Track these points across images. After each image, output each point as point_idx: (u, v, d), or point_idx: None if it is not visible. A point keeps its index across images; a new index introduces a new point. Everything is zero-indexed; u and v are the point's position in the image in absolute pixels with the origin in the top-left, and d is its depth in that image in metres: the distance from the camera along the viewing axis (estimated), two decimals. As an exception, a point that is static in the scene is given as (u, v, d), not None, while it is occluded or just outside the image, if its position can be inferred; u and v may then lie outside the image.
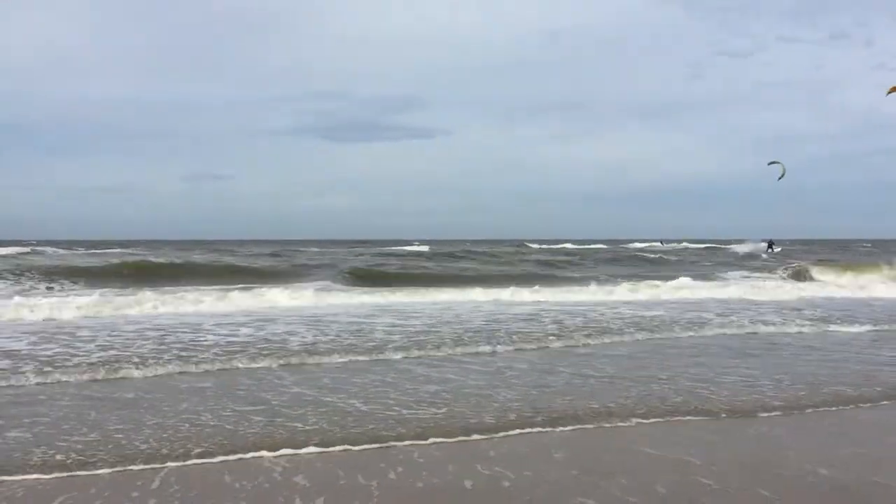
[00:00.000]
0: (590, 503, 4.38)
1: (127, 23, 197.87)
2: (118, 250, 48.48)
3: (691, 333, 12.04)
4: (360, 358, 9.31)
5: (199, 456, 5.25)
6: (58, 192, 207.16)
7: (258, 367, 8.68)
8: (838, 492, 4.59)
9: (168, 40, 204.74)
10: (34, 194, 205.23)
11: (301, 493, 4.53)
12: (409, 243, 70.68)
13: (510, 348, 10.27)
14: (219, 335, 10.91)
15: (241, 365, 8.75)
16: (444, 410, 6.58)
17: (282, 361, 8.98)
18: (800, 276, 26.72)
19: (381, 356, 9.42)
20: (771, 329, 12.68)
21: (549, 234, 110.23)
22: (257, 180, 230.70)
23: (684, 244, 71.79)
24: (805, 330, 12.72)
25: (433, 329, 11.77)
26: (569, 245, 64.36)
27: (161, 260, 27.65)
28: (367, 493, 4.54)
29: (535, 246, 62.96)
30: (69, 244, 62.09)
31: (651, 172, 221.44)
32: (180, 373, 8.31)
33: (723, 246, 63.71)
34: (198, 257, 33.33)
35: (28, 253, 43.74)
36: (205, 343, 10.16)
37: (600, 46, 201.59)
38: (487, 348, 10.15)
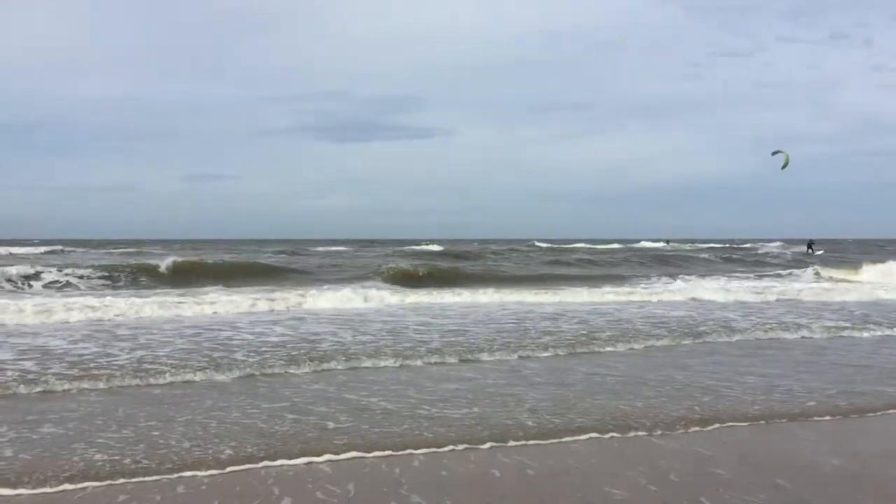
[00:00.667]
0: None
1: (127, 23, 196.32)
2: (133, 250, 47.79)
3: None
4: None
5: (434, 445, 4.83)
6: (57, 192, 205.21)
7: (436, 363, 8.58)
8: None
9: (168, 40, 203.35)
10: (33, 194, 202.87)
11: None
12: (416, 242, 70.26)
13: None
14: (342, 338, 10.50)
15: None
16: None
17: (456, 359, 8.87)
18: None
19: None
20: None
21: (551, 234, 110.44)
22: (257, 180, 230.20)
23: (690, 244, 71.96)
24: None
25: (611, 327, 11.40)
26: (582, 245, 64.19)
27: (212, 260, 26.99)
28: None
29: (544, 245, 62.71)
30: (73, 243, 61.00)
31: (651, 172, 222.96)
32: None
33: (739, 246, 63.86)
34: (228, 256, 32.67)
35: (58, 252, 43.03)
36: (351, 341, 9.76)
37: (600, 46, 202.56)
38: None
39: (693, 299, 17.60)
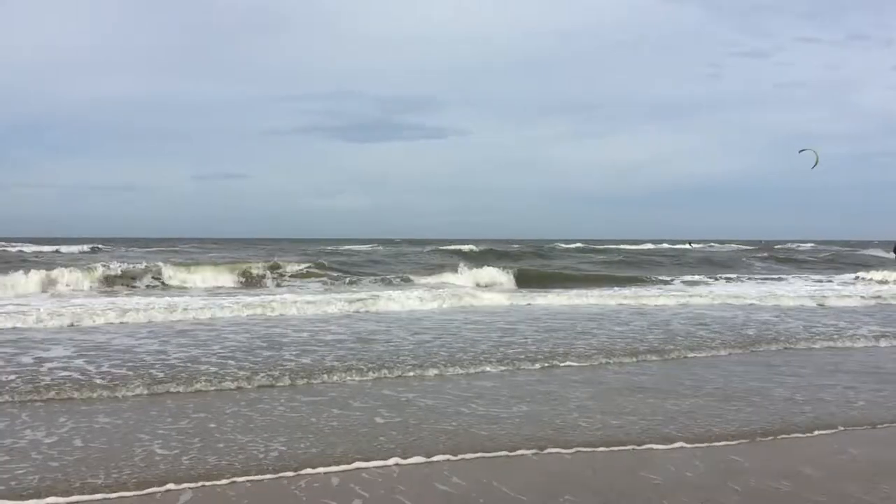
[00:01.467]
0: None
1: (137, 22, 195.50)
2: (173, 248, 47.86)
3: None
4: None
5: None
6: (66, 190, 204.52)
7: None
8: None
9: (179, 40, 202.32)
10: (42, 192, 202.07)
11: None
12: (440, 242, 70.35)
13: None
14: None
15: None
16: None
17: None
18: None
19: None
20: None
21: (566, 234, 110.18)
22: (269, 179, 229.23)
23: (713, 244, 72.28)
24: None
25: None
26: (616, 245, 64.07)
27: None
28: None
29: (564, 246, 62.41)
30: (88, 241, 60.81)
31: (667, 173, 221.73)
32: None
33: (779, 246, 63.61)
34: (295, 257, 32.80)
35: (97, 250, 43.03)
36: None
37: (615, 46, 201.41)
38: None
39: (819, 303, 17.40)
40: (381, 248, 53.12)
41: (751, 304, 16.67)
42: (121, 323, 12.34)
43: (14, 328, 11.50)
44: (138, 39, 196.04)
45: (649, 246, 61.49)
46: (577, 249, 52.23)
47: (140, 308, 13.38)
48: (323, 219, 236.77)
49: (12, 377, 7.69)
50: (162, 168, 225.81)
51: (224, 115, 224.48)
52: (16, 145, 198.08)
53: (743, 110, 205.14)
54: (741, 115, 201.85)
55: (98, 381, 7.57)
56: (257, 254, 37.86)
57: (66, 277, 18.76)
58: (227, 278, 21.16)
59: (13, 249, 39.35)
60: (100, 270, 19.67)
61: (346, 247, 53.54)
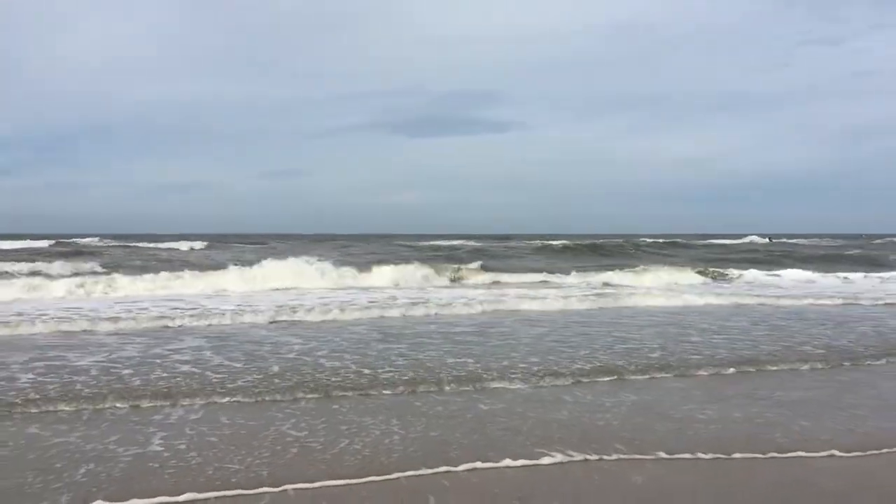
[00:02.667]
0: None
1: (204, 25, 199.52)
2: (263, 245, 48.13)
3: None
4: None
5: None
6: (136, 189, 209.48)
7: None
8: None
9: (244, 41, 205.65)
10: (114, 191, 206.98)
11: None
12: (515, 238, 69.96)
13: None
14: None
15: None
16: None
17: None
18: None
19: None
20: None
21: (632, 230, 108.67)
22: (331, 176, 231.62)
23: (795, 240, 70.79)
24: None
25: None
26: (719, 241, 63.00)
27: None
28: None
29: (648, 240, 61.64)
30: (152, 238, 61.49)
31: (734, 166, 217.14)
32: None
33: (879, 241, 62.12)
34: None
35: (209, 248, 43.40)
36: None
37: (680, 38, 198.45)
38: None
39: None
40: (469, 243, 52.85)
41: None
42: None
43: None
44: (201, 42, 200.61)
45: (754, 238, 60.40)
46: (668, 244, 51.25)
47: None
48: (383, 215, 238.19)
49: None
50: (225, 167, 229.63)
51: (286, 114, 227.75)
52: (88, 146, 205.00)
53: (812, 100, 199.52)
54: (810, 106, 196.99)
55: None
56: (350, 249, 37.96)
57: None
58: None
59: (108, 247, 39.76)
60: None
61: (429, 242, 53.54)
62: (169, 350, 9.06)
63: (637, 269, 23.89)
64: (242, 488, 4.48)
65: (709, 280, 23.15)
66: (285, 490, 4.45)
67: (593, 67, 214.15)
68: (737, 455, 5.15)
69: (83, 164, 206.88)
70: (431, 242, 53.16)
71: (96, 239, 53.79)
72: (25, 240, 45.86)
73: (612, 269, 24.38)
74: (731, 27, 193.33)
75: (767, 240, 68.78)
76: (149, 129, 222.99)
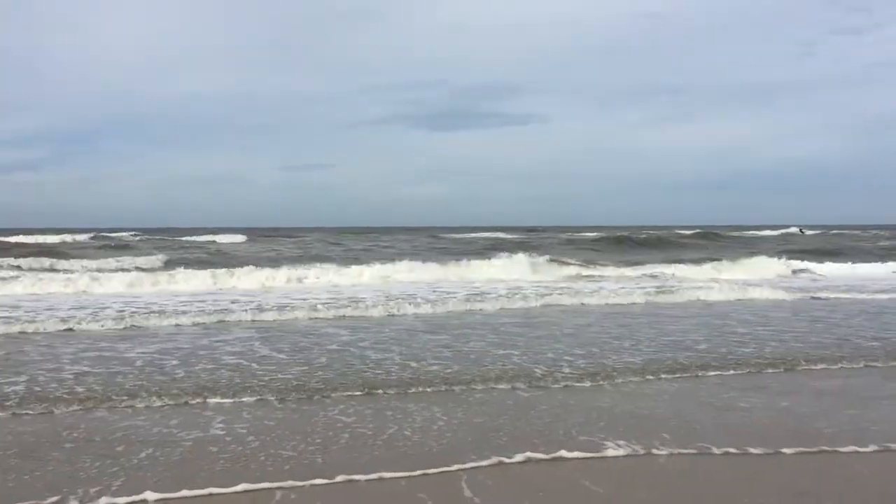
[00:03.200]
0: None
1: (228, 18, 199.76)
2: (294, 238, 47.85)
3: None
4: None
5: None
6: (162, 182, 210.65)
7: None
8: None
9: (266, 34, 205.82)
10: (140, 183, 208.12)
11: None
12: (531, 230, 69.43)
13: None
14: None
15: None
16: None
17: None
18: None
19: None
20: None
21: (657, 221, 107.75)
22: (354, 169, 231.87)
23: (833, 231, 69.99)
24: None
25: None
26: (760, 232, 62.34)
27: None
28: None
29: (685, 233, 61.08)
30: (200, 232, 61.19)
31: (758, 156, 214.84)
32: None
33: None
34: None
35: (252, 241, 43.18)
36: None
37: (703, 28, 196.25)
38: None
39: None
40: (506, 236, 52.48)
41: None
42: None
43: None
44: (228, 37, 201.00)
45: (792, 230, 59.76)
46: (698, 235, 50.53)
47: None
48: (407, 207, 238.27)
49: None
50: (251, 160, 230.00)
51: (309, 107, 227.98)
52: (119, 139, 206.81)
53: (837, 90, 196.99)
54: (835, 96, 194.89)
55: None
56: (397, 244, 37.64)
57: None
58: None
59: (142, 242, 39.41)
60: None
61: (461, 235, 53.11)
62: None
63: (720, 261, 23.36)
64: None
65: (787, 273, 22.64)
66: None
67: (615, 57, 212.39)
68: None
69: (107, 158, 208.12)
70: (464, 235, 52.79)
71: (130, 233, 53.63)
72: (63, 234, 45.64)
73: (681, 262, 24.09)
74: (753, 17, 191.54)
75: (799, 231, 67.81)
76: (173, 122, 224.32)
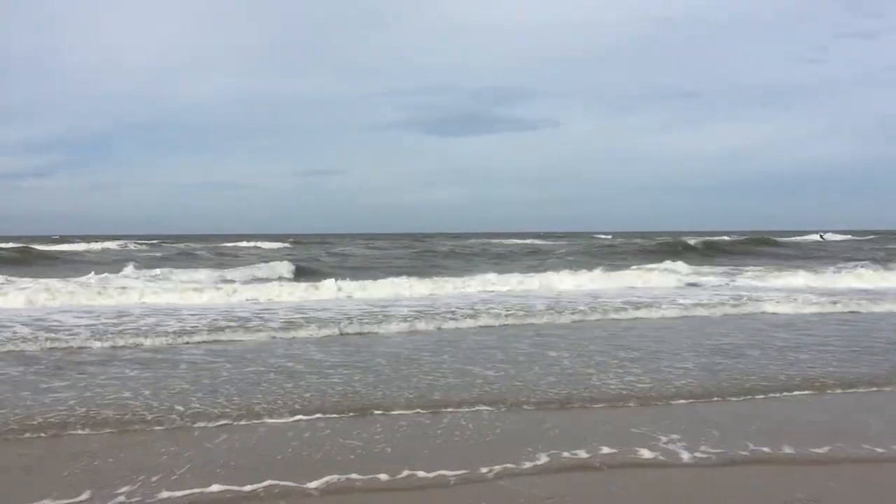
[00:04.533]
0: None
1: (241, 23, 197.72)
2: (319, 241, 46.51)
3: None
4: None
5: None
6: (175, 188, 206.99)
7: None
8: None
9: (279, 38, 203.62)
10: (155, 190, 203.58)
11: None
12: (539, 235, 68.49)
13: None
14: None
15: None
16: None
17: None
18: None
19: None
20: None
21: (666, 226, 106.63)
22: (366, 175, 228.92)
23: (848, 236, 69.69)
24: None
25: None
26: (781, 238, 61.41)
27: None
28: None
29: (727, 238, 59.09)
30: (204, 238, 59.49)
31: (773, 160, 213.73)
32: None
33: None
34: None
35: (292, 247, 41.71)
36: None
37: (715, 32, 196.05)
38: None
39: None
40: (539, 241, 51.45)
41: None
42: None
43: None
44: (240, 41, 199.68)
45: (813, 238, 59.04)
46: (753, 241, 48.87)
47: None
48: (418, 213, 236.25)
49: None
50: (263, 165, 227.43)
51: (320, 111, 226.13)
52: (131, 145, 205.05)
53: (848, 93, 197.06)
54: (847, 99, 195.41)
55: None
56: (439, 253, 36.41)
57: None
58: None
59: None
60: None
61: (496, 240, 52.06)
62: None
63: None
64: None
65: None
66: None
67: (627, 61, 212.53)
68: None
69: (120, 164, 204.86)
70: (500, 241, 51.77)
71: (154, 241, 51.72)
72: (98, 241, 43.79)
73: (800, 269, 23.04)
74: (766, 21, 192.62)
75: (819, 237, 66.78)
76: (187, 127, 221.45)
